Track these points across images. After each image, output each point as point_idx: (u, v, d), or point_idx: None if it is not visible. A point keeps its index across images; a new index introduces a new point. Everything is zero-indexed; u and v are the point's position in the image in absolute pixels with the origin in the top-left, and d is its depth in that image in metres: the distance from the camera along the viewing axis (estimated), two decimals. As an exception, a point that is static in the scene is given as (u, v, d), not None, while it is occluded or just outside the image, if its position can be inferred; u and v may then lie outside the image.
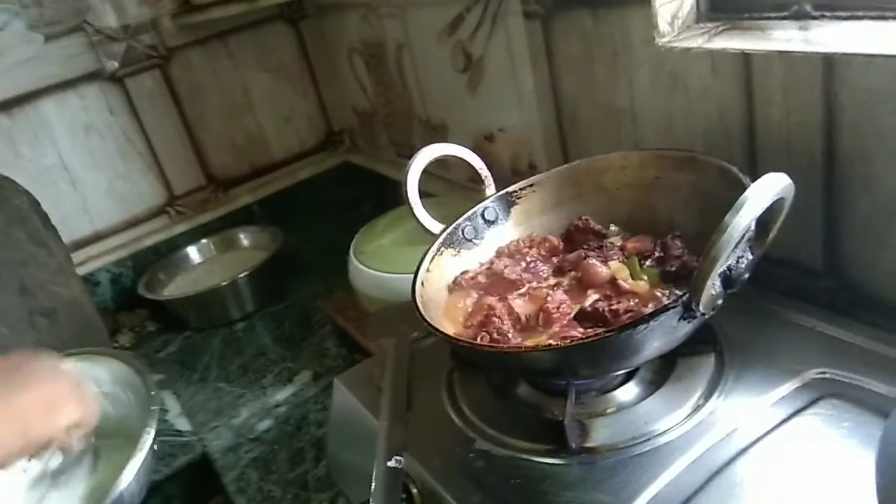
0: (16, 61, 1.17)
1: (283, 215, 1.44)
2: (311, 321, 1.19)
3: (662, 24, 0.72)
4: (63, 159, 1.25)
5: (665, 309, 0.46)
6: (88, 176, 1.28)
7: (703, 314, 0.48)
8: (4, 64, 1.16)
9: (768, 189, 0.45)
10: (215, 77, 1.37)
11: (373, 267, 0.95)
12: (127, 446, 0.70)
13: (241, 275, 1.22)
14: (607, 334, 0.47)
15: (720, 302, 0.49)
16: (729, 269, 0.48)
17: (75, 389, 0.59)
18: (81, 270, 1.26)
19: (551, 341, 0.55)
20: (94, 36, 1.22)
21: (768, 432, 0.52)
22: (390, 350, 0.72)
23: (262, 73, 1.42)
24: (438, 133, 1.19)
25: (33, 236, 1.18)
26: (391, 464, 0.57)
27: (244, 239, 1.41)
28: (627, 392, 0.59)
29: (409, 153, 1.31)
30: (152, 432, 0.63)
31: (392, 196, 1.28)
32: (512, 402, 0.62)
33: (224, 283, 1.22)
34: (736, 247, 0.45)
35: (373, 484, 0.56)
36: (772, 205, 0.46)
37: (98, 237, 1.31)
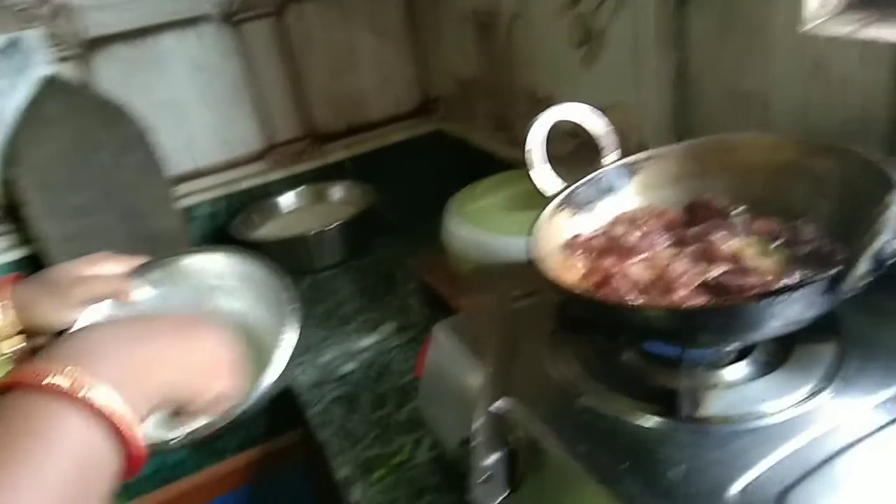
0: (145, -7, 1.22)
1: (372, 174, 1.47)
2: (394, 278, 1.21)
3: (809, 9, 0.70)
4: (175, 94, 1.30)
5: (811, 281, 0.46)
6: (197, 113, 1.33)
7: (845, 293, 0.47)
8: (134, -4, 1.21)
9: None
10: (325, 33, 1.40)
11: (471, 227, 0.96)
12: (248, 346, 0.70)
13: (331, 226, 1.25)
14: (745, 301, 0.47)
15: (862, 284, 0.48)
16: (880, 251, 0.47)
17: (234, 362, 0.57)
18: (181, 204, 1.31)
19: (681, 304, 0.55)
20: (218, -22, 1.26)
21: (879, 429, 0.51)
22: (492, 304, 0.73)
23: (369, 33, 1.44)
24: (543, 107, 1.16)
25: (142, 164, 1.24)
26: (495, 407, 0.58)
27: (335, 193, 1.44)
28: (738, 370, 0.59)
29: (508, 126, 1.34)
30: (295, 332, 0.60)
31: (483, 168, 1.29)
32: (618, 366, 0.62)
33: (314, 232, 1.25)
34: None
35: (475, 425, 0.57)
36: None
37: (198, 174, 1.36)
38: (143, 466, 0.45)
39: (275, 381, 0.57)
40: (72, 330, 0.65)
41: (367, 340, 1.03)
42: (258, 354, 0.65)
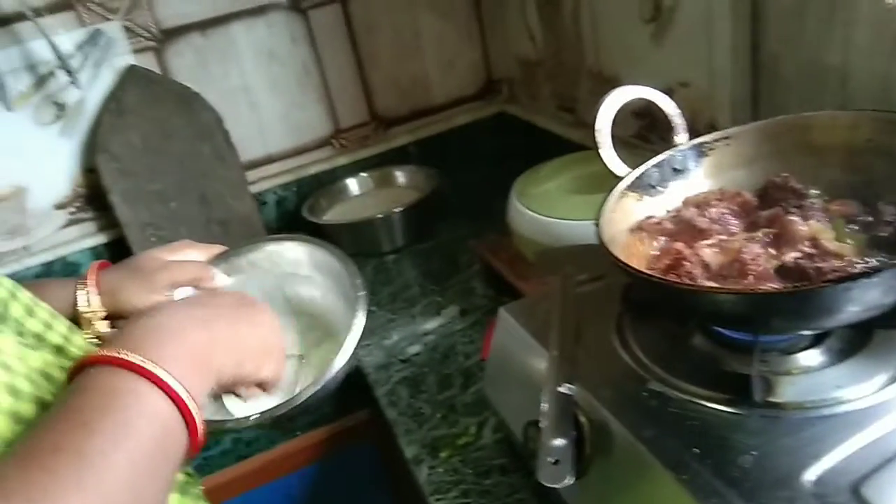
0: (216, -16, 1.26)
1: (436, 158, 1.47)
2: (458, 261, 1.22)
3: (896, -22, 0.67)
4: (246, 82, 1.33)
5: (892, 265, 0.44)
6: (267, 100, 1.36)
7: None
8: (206, -14, 1.25)
9: None
10: (389, 17, 1.40)
11: (536, 210, 0.96)
12: (321, 331, 0.72)
13: (396, 210, 1.27)
14: (823, 285, 0.46)
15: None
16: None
17: (281, 348, 0.60)
18: (252, 189, 1.35)
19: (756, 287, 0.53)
20: (286, -34, 1.29)
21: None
22: (557, 287, 0.73)
23: (432, 16, 1.44)
24: (609, 86, 1.14)
25: (216, 151, 1.28)
26: (562, 389, 0.58)
27: (400, 177, 1.46)
28: (812, 357, 0.57)
29: (573, 106, 1.32)
30: (362, 317, 0.62)
31: (548, 149, 1.28)
32: (687, 351, 0.61)
33: (379, 216, 1.27)
34: None
35: (543, 406, 0.57)
36: None
37: (269, 160, 1.40)
38: (203, 446, 0.48)
39: (344, 365, 0.59)
40: None
41: (432, 323, 1.04)
42: (330, 339, 0.68)
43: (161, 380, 0.44)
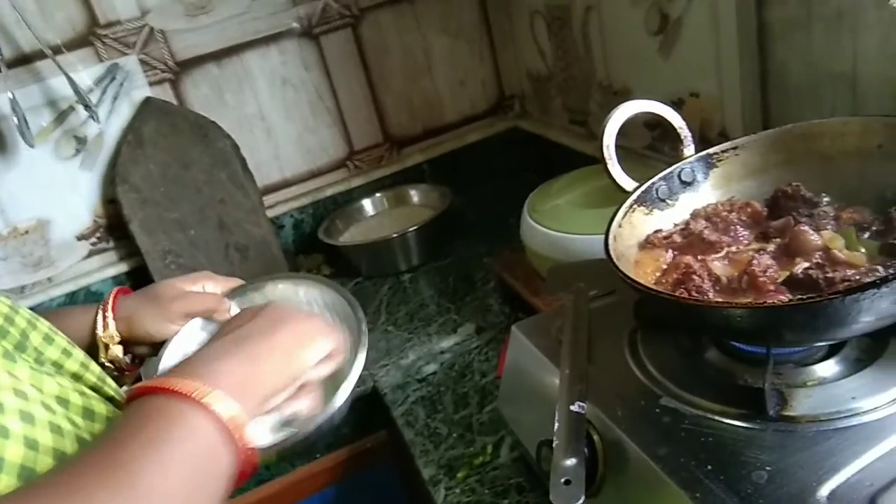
0: (228, 15, 1.28)
1: (450, 176, 1.48)
2: (473, 278, 1.22)
3: (902, -19, 0.66)
4: (261, 109, 1.35)
5: (905, 274, 0.43)
6: (282, 126, 1.38)
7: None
8: (218, 17, 1.27)
9: None
10: (400, 39, 1.42)
11: (548, 226, 0.96)
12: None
13: (411, 229, 1.27)
14: (831, 297, 0.45)
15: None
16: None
17: (323, 323, 0.60)
18: (269, 213, 1.36)
19: (765, 300, 0.53)
20: (296, -7, 1.31)
21: None
22: (569, 304, 0.73)
23: (442, 35, 1.46)
24: (620, 98, 1.16)
25: (233, 178, 1.30)
26: (574, 408, 0.58)
27: (415, 196, 1.47)
28: (827, 368, 0.56)
29: (584, 119, 1.32)
30: (363, 355, 0.63)
31: (561, 162, 1.28)
32: (700, 365, 0.60)
33: (395, 235, 1.28)
34: None
35: (556, 425, 0.57)
36: None
37: (286, 184, 1.42)
38: (254, 472, 0.49)
39: (347, 397, 0.61)
40: (169, 341, 0.70)
41: (448, 342, 1.04)
42: (335, 374, 0.70)
43: (210, 407, 0.46)
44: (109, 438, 0.43)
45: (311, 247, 1.42)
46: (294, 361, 0.56)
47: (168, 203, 1.25)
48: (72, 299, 1.28)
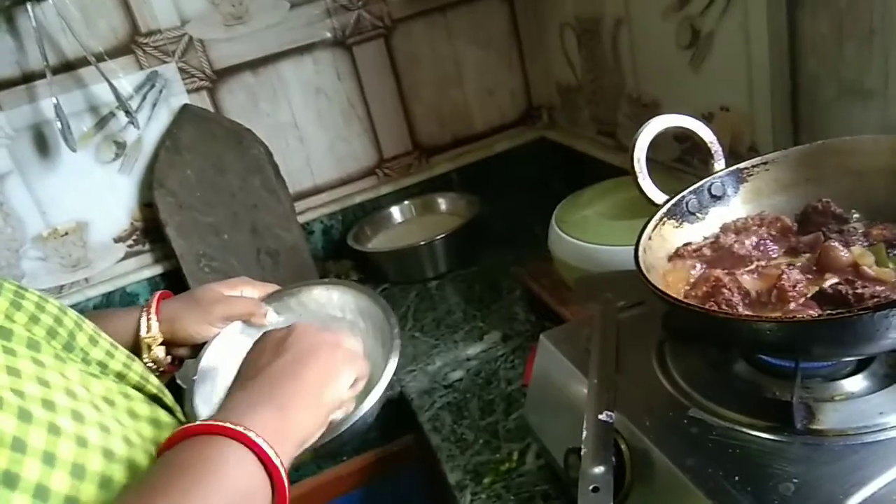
0: (265, 25, 1.31)
1: (477, 185, 1.49)
2: (500, 287, 1.23)
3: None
4: (295, 117, 1.38)
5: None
6: (314, 134, 1.40)
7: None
8: (255, 27, 1.30)
9: None
10: (431, 49, 1.44)
11: (576, 237, 0.97)
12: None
13: (439, 236, 1.29)
14: (860, 312, 0.46)
15: None
16: None
17: (345, 347, 0.61)
18: (300, 219, 1.39)
19: (795, 314, 0.54)
20: (330, 4, 1.33)
21: None
22: (597, 314, 0.74)
23: (473, 46, 1.48)
24: (649, 111, 1.17)
25: (266, 184, 1.33)
26: (602, 417, 0.59)
27: (443, 204, 1.48)
28: (855, 383, 0.57)
29: (612, 130, 1.33)
30: (395, 361, 0.65)
31: (588, 173, 1.29)
32: (728, 377, 0.61)
33: (422, 243, 1.29)
34: None
35: (584, 434, 0.58)
36: None
37: (317, 191, 1.44)
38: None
39: (377, 401, 0.62)
40: (209, 343, 0.73)
41: (475, 349, 1.06)
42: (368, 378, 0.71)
43: (253, 442, 0.48)
44: (162, 474, 0.46)
45: (339, 253, 1.44)
46: (324, 398, 0.57)
47: (203, 207, 1.28)
48: (108, 300, 1.31)
